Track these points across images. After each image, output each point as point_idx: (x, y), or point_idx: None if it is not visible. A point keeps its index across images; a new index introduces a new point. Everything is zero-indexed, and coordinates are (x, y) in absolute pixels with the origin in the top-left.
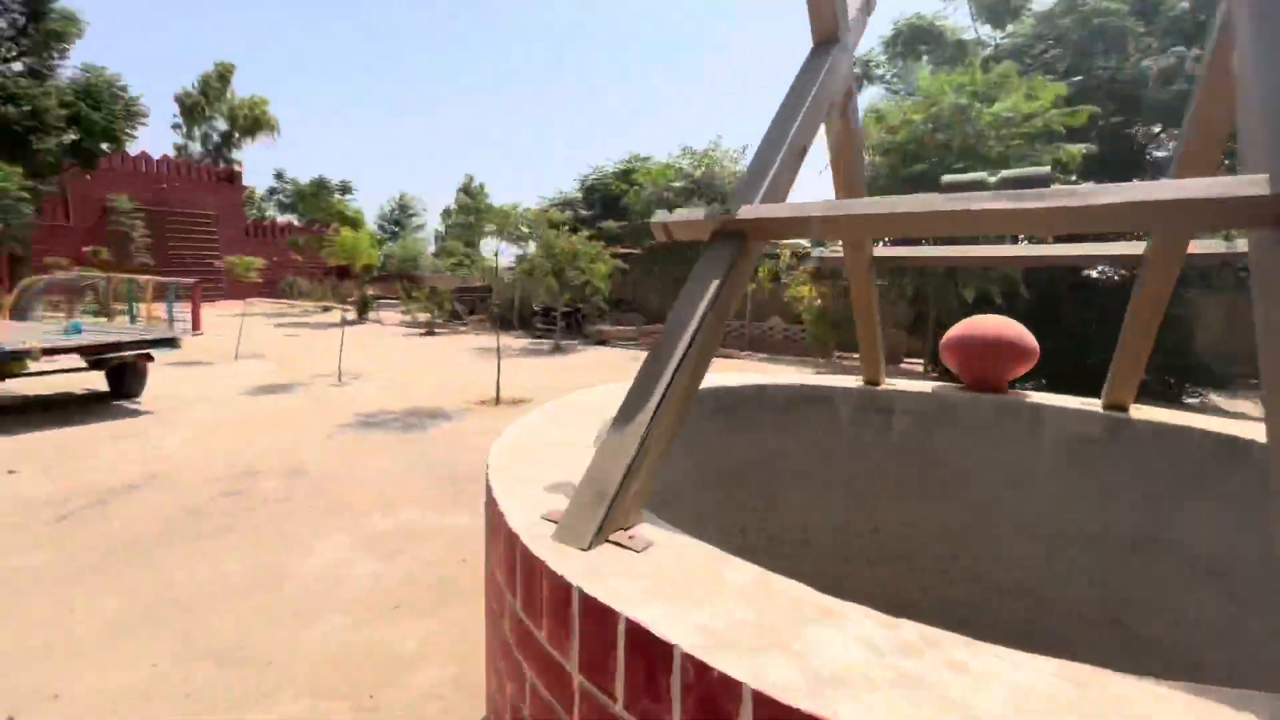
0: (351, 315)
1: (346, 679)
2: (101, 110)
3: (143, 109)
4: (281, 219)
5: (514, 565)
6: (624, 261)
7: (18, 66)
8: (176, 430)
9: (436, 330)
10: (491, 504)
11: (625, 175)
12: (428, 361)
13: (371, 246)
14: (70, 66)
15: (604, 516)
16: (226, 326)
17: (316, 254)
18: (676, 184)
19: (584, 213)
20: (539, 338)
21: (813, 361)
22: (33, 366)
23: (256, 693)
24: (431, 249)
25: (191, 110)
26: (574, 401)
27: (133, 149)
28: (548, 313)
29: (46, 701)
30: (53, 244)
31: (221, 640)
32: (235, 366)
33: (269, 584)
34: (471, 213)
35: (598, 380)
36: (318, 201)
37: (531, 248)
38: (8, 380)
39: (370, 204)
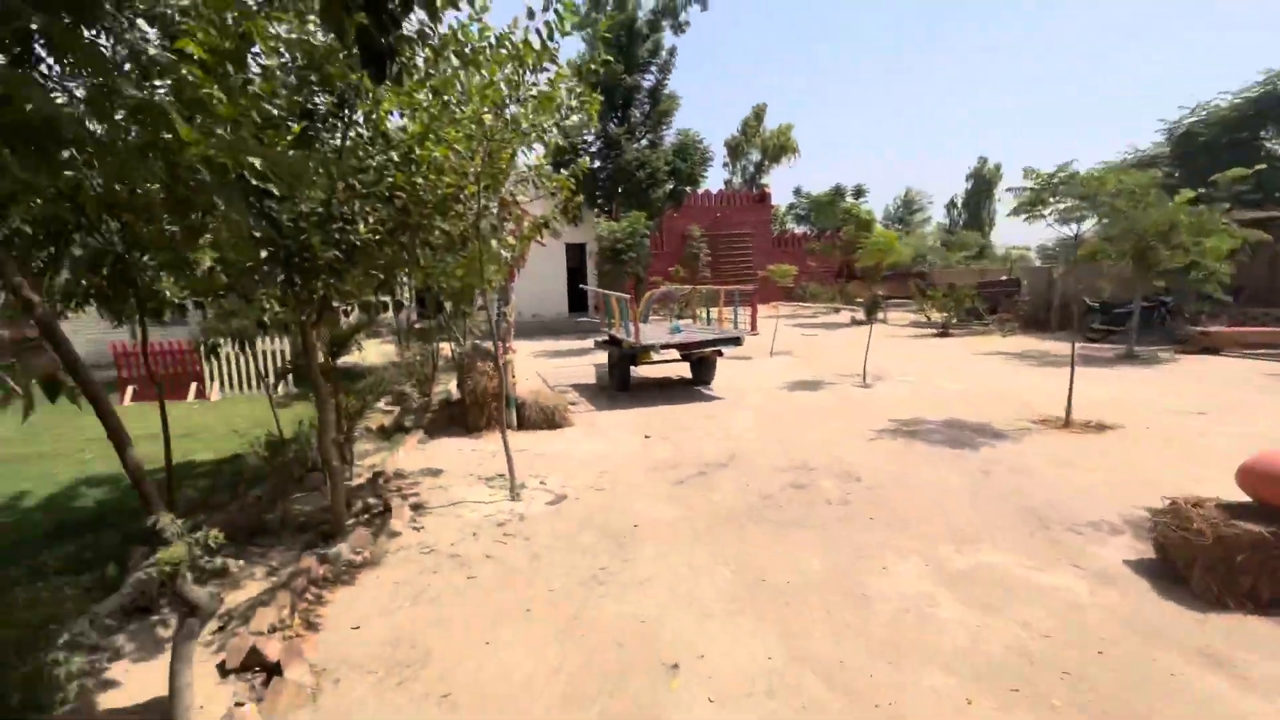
0: (860, 315)
1: None
2: (687, 162)
3: (711, 155)
4: (798, 230)
5: None
6: (1265, 231)
7: (644, 142)
8: (742, 415)
9: (951, 331)
10: None
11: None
12: (949, 366)
13: (900, 245)
14: (671, 133)
15: None
16: (760, 326)
17: (828, 258)
18: None
19: (1167, 169)
20: (1094, 340)
21: None
22: (653, 357)
23: None
24: (933, 243)
25: (735, 150)
26: None
27: (701, 188)
28: (1107, 309)
29: (696, 659)
30: (652, 266)
31: (822, 652)
32: (770, 362)
33: (852, 596)
34: (1051, 188)
35: (1228, 404)
36: (833, 209)
37: (1086, 225)
38: (639, 366)
39: (877, 205)
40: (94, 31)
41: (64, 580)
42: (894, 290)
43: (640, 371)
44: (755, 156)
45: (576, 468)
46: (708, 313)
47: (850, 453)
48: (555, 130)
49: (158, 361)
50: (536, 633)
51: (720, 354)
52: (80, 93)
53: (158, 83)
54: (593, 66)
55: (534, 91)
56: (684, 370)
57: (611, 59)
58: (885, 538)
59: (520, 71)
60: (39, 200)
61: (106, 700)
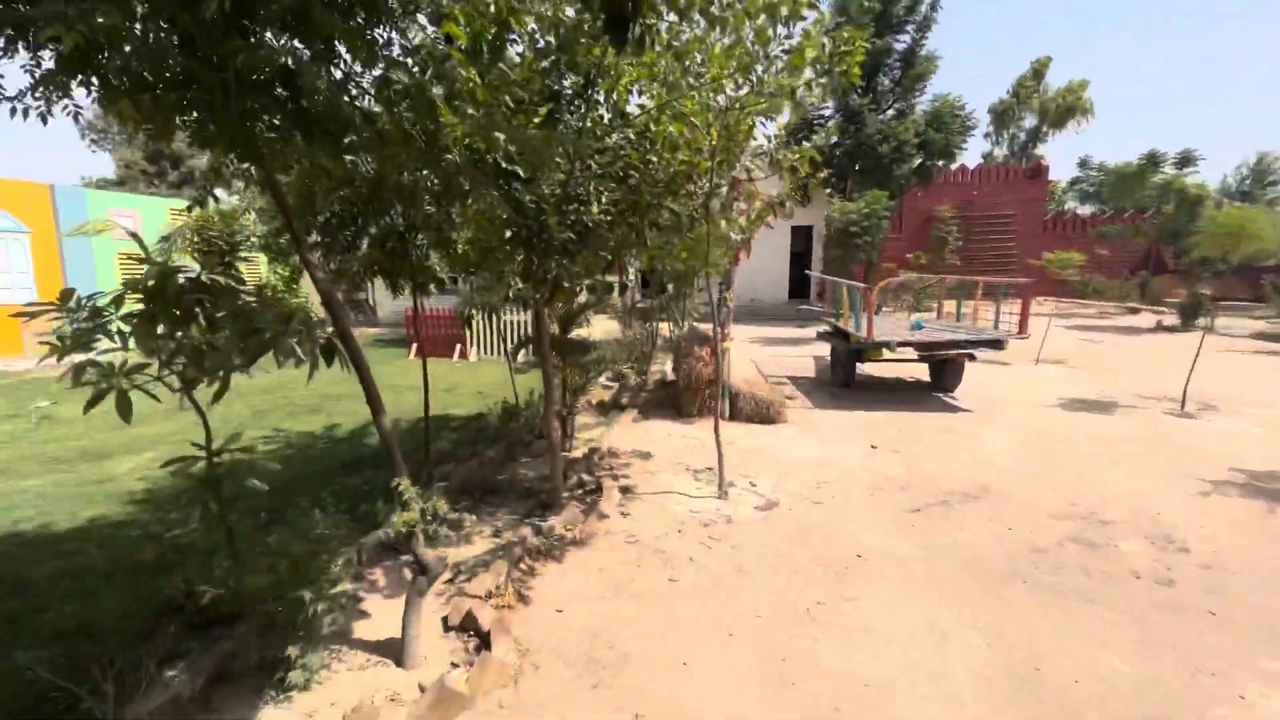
0: (1170, 319)
1: None
2: (943, 131)
3: (974, 121)
4: (1081, 210)
5: None
6: None
7: (890, 112)
8: (996, 435)
9: None
10: None
11: None
12: None
13: (1263, 228)
14: (924, 100)
15: None
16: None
17: (1126, 245)
18: None
19: None
20: None
21: None
22: (885, 354)
23: None
24: None
25: (1002, 116)
26: None
27: (956, 162)
28: None
29: None
30: (886, 251)
31: None
32: (1035, 370)
33: None
34: None
35: None
36: (1141, 182)
37: None
38: (866, 362)
39: (1209, 178)
40: (384, 29)
41: (341, 515)
42: (1225, 289)
43: (865, 368)
44: (1029, 122)
45: (790, 471)
46: (959, 307)
47: (1168, 509)
48: (805, 89)
49: (432, 325)
50: (739, 666)
51: (972, 358)
52: (366, 84)
53: (436, 77)
54: (864, 2)
55: (785, 47)
56: (918, 371)
57: None
58: (1241, 649)
59: (773, 25)
60: (342, 189)
61: (357, 629)
